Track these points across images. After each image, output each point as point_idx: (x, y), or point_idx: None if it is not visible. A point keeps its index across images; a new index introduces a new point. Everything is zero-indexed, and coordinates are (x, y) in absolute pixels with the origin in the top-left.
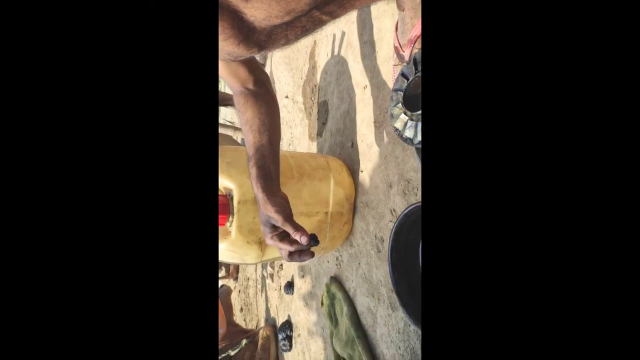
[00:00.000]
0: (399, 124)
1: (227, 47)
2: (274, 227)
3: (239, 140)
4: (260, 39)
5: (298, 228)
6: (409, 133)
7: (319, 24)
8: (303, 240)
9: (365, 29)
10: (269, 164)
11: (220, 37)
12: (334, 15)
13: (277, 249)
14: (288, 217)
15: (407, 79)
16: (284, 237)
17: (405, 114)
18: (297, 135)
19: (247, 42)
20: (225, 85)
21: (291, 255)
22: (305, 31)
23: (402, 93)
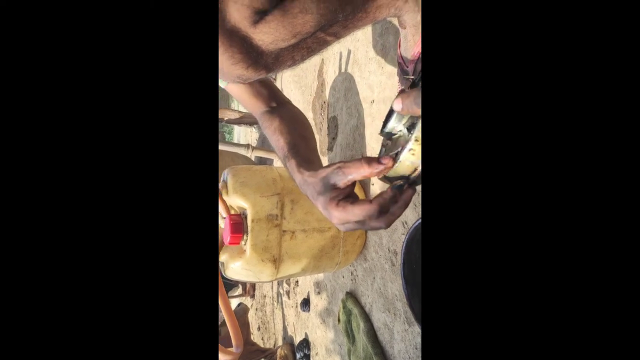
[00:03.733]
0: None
1: (236, 70)
2: (334, 187)
3: (253, 158)
4: (268, 61)
5: (367, 159)
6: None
7: (323, 44)
8: (384, 161)
9: (370, 46)
10: (307, 153)
11: (230, 62)
12: (338, 36)
13: (293, 264)
14: (339, 163)
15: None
16: (351, 198)
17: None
18: None
19: (256, 65)
20: (239, 104)
21: (379, 217)
22: (311, 52)
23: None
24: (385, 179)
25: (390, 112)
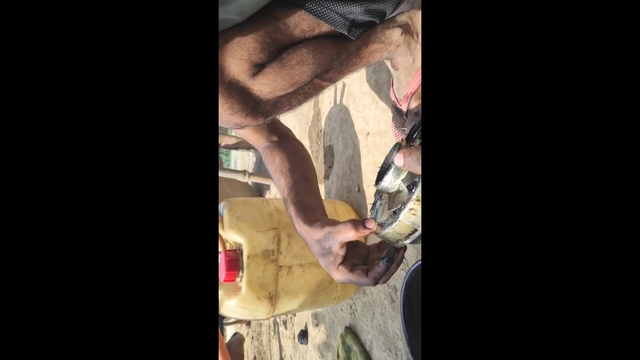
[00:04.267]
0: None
1: (235, 119)
2: (331, 251)
3: (250, 183)
4: (266, 109)
5: (353, 222)
6: (378, 218)
7: (319, 89)
8: (369, 225)
9: (364, 81)
10: (307, 198)
11: (229, 112)
12: (333, 80)
13: (290, 300)
14: (333, 223)
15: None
16: (353, 265)
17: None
18: None
19: (254, 114)
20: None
21: (371, 275)
22: (307, 97)
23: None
24: (385, 238)
25: (388, 166)
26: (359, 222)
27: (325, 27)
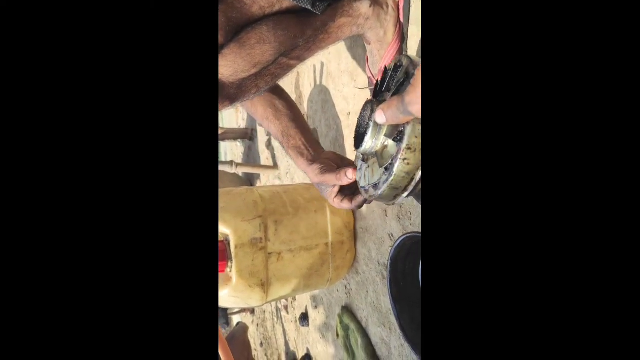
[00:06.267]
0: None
1: None
2: (327, 189)
3: (240, 174)
4: (230, 92)
5: (337, 174)
6: (362, 182)
7: (287, 69)
8: (349, 175)
9: (342, 59)
10: (299, 140)
11: None
12: (302, 59)
13: (283, 286)
14: (326, 169)
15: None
16: (344, 196)
17: (362, 160)
18: (292, 164)
19: (218, 98)
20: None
21: (356, 198)
22: (275, 77)
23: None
24: (381, 199)
25: (366, 127)
26: (342, 173)
27: (286, 3)
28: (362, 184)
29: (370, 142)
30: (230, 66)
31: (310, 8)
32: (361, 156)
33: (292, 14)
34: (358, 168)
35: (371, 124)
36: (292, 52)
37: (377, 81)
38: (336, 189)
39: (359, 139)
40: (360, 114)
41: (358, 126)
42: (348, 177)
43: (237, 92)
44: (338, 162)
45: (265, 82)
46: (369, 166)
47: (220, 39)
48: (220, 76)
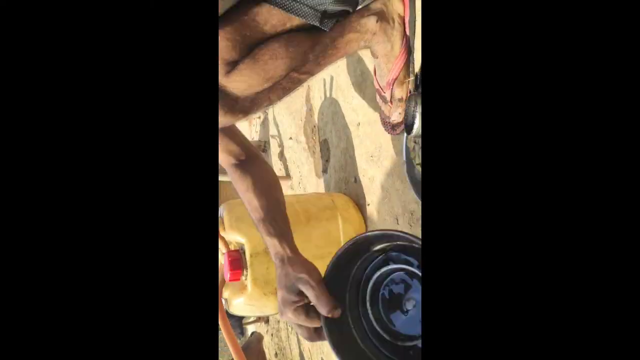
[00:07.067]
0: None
1: None
2: (300, 294)
3: None
4: (245, 105)
5: (332, 301)
6: (418, 159)
7: (298, 83)
8: (336, 314)
9: (350, 72)
10: (283, 223)
11: None
12: (312, 73)
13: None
14: (321, 280)
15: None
16: (309, 309)
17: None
18: (304, 174)
19: (233, 111)
20: None
21: (316, 332)
22: (287, 91)
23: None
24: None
25: (412, 117)
26: (333, 307)
27: (296, 21)
28: (417, 161)
29: (418, 128)
30: (246, 81)
31: (318, 25)
32: (413, 139)
33: (302, 31)
34: (412, 149)
35: (417, 114)
36: (303, 67)
37: (415, 75)
38: (306, 300)
39: (409, 127)
40: (406, 106)
41: (406, 116)
42: (334, 315)
43: (251, 106)
44: (319, 273)
45: (277, 95)
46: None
47: (235, 55)
48: (235, 90)
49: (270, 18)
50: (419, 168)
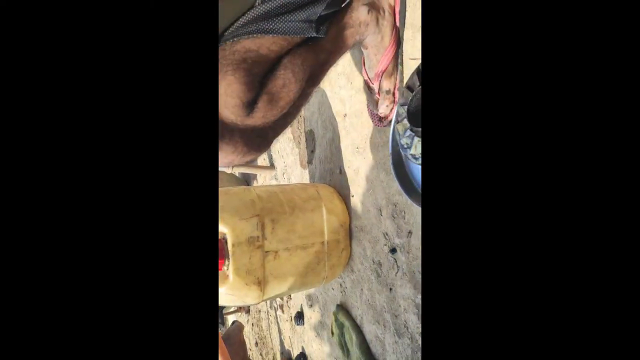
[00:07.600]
0: (405, 141)
1: (230, 157)
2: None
3: (236, 174)
4: (269, 135)
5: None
6: (415, 150)
7: (309, 96)
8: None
9: (339, 61)
10: None
11: (231, 150)
12: (318, 82)
13: (279, 284)
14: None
15: (412, 91)
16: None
17: (411, 130)
18: (289, 164)
19: (258, 149)
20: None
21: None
22: (300, 108)
23: (406, 108)
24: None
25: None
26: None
27: (296, 38)
28: (412, 151)
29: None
30: (268, 115)
31: (316, 34)
32: (410, 128)
33: (302, 46)
34: (412, 141)
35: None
36: (311, 80)
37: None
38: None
39: (412, 114)
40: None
41: (410, 101)
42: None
43: (273, 135)
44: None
45: (293, 116)
46: (420, 140)
47: (252, 94)
48: (259, 124)
49: (272, 46)
50: (414, 160)
